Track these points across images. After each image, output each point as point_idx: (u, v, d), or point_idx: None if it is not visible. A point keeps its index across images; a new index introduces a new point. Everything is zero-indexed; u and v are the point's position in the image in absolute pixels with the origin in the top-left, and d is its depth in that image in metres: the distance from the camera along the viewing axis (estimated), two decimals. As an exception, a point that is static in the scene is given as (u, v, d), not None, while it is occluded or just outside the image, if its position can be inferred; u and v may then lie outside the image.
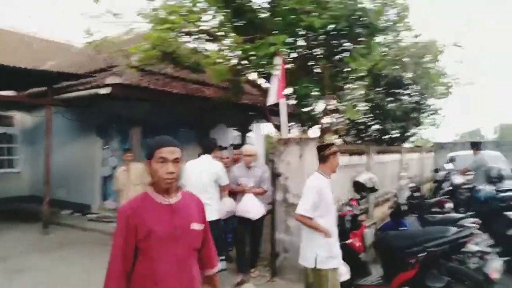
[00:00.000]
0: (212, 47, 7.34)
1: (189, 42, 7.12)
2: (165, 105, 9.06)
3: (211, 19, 6.76)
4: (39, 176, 8.87)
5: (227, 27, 6.67)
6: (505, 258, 4.26)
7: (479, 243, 4.16)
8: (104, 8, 6.26)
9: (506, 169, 8.19)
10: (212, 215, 4.57)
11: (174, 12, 5.84)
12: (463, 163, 8.11)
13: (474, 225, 4.17)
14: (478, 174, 6.93)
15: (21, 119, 12.28)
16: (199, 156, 5.24)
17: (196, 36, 6.95)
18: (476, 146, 7.62)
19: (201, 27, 6.66)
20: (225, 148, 7.42)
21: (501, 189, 5.93)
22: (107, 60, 7.67)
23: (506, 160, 9.34)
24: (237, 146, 6.46)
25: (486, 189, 6.12)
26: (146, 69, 8.08)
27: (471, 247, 3.90)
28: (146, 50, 6.37)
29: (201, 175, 4.78)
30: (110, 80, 7.48)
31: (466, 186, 7.39)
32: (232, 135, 13.71)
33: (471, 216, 4.89)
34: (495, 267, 3.71)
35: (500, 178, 6.30)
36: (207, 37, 6.99)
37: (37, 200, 9.22)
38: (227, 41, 6.59)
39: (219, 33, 6.81)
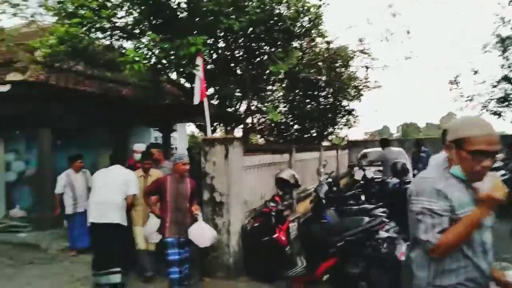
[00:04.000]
0: (128, 45, 6.99)
1: (103, 38, 6.68)
2: (79, 105, 8.38)
3: (125, 16, 6.43)
4: None
5: (144, 25, 6.41)
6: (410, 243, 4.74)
7: (389, 230, 4.57)
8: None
9: (407, 163, 9.13)
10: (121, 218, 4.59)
11: (83, 6, 5.41)
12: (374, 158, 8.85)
13: (383, 214, 4.57)
14: (386, 168, 7.62)
15: None
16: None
17: (110, 33, 6.54)
18: (384, 142, 8.41)
19: (115, 24, 6.30)
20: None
21: (406, 181, 6.58)
22: (4, 54, 6.84)
23: (407, 155, 10.42)
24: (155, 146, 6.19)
25: (393, 181, 6.74)
26: (55, 65, 7.39)
27: (382, 233, 4.25)
28: (53, 45, 5.81)
29: (111, 183, 4.67)
30: (11, 77, 6.68)
31: (376, 180, 8.07)
32: (153, 135, 13.23)
33: (381, 207, 5.35)
34: (402, 250, 4.10)
35: (405, 171, 6.99)
36: (122, 34, 6.63)
37: None
38: (144, 40, 6.32)
39: (135, 31, 6.51)
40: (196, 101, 5.84)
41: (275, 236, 4.71)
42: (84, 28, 5.70)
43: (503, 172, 8.11)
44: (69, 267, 5.70)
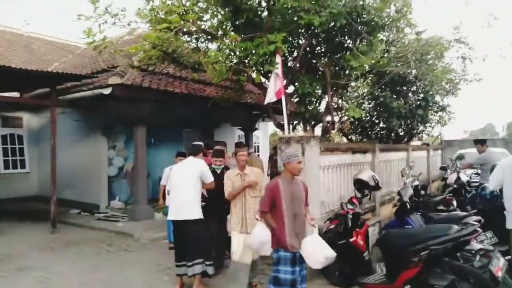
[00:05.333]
0: (213, 46, 7.33)
1: (189, 41, 7.11)
2: (168, 105, 9.07)
3: (210, 18, 6.75)
4: (47, 176, 8.98)
5: (227, 26, 6.65)
6: (509, 257, 4.16)
7: (483, 241, 4.07)
8: (102, 8, 6.27)
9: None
10: (195, 213, 4.54)
11: (171, 12, 5.82)
12: (471, 160, 7.94)
13: (477, 223, 4.07)
14: (484, 172, 6.79)
15: (28, 120, 12.44)
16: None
17: (196, 36, 6.93)
18: (480, 143, 7.45)
19: (200, 26, 6.65)
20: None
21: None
22: (108, 60, 7.70)
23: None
24: (239, 144, 6.37)
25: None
26: (148, 69, 8.10)
27: (474, 245, 3.80)
28: (146, 50, 6.37)
29: (184, 173, 4.69)
30: (112, 80, 7.50)
31: (472, 184, 7.25)
32: (237, 134, 13.71)
33: (475, 214, 4.78)
34: (499, 265, 3.61)
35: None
36: (207, 36, 6.97)
37: (45, 200, 9.32)
38: (226, 40, 6.56)
39: (219, 32, 6.79)
40: (269, 99, 5.86)
41: (351, 240, 4.52)
42: (172, 32, 6.11)
43: None
44: (157, 256, 6.19)
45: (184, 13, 6.00)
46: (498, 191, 5.93)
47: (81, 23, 6.32)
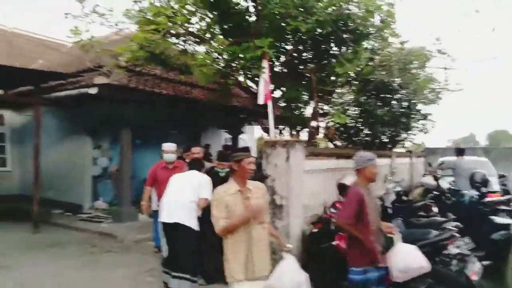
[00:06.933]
0: (200, 49, 7.35)
1: (177, 43, 7.12)
2: (155, 106, 9.03)
3: (198, 21, 6.77)
4: (29, 175, 8.81)
5: (214, 30, 6.69)
6: (488, 262, 4.30)
7: (460, 246, 4.18)
8: (89, 8, 6.24)
9: (492, 174, 8.28)
10: (189, 220, 4.30)
11: (159, 14, 5.83)
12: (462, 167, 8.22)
13: (455, 228, 4.19)
14: (460, 179, 7.06)
15: (10, 118, 12.17)
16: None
17: (184, 38, 6.94)
18: (459, 152, 7.83)
19: (188, 29, 6.67)
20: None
21: (484, 192, 5.98)
22: (94, 60, 7.63)
23: (492, 165, 9.43)
24: (226, 148, 6.39)
25: (470, 193, 6.17)
26: (135, 70, 8.06)
27: (452, 249, 3.90)
28: (134, 51, 6.35)
29: (184, 181, 4.52)
30: (98, 80, 7.44)
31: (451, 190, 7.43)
32: (224, 137, 13.71)
33: (455, 220, 4.91)
34: (475, 269, 3.72)
35: (484, 183, 6.36)
36: (195, 39, 6.99)
37: (28, 199, 9.13)
38: (214, 44, 6.60)
39: (206, 35, 6.82)
40: (260, 102, 5.92)
41: (334, 243, 4.58)
42: (161, 34, 6.11)
43: None
44: (141, 257, 6.16)
45: (173, 15, 6.01)
46: (476, 198, 6.14)
47: (68, 21, 6.27)
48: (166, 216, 4.39)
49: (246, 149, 3.04)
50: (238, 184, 2.86)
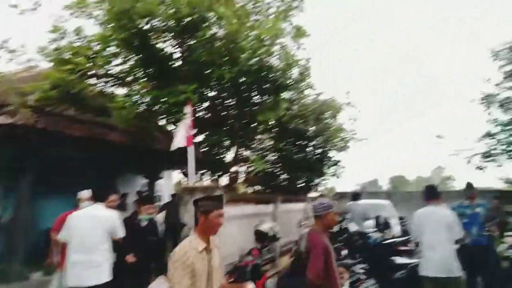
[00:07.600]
0: (121, 91, 7.20)
1: (95, 84, 6.89)
2: (67, 150, 8.37)
3: (121, 63, 6.70)
4: None
5: (138, 73, 6.66)
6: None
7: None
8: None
9: (393, 216, 9.16)
10: (103, 276, 3.79)
11: (78, 54, 5.65)
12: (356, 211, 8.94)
13: (362, 270, 4.50)
14: (352, 218, 8.13)
15: None
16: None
17: (104, 79, 6.77)
18: (354, 196, 9.04)
19: (109, 71, 6.54)
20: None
21: (388, 235, 6.58)
22: (-1, 97, 6.96)
23: (393, 208, 10.43)
24: (142, 194, 6.10)
25: (375, 236, 6.71)
26: (45, 110, 7.50)
27: (360, 292, 4.19)
28: (46, 90, 5.97)
29: (92, 228, 3.86)
30: (0, 119, 6.74)
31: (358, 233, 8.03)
32: (140, 181, 13.10)
33: (361, 262, 5.27)
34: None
35: (386, 225, 6.97)
36: (115, 81, 6.85)
37: None
38: (137, 87, 6.54)
39: (128, 78, 6.74)
40: (175, 146, 5.80)
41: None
42: (78, 74, 5.89)
43: None
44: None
45: (94, 55, 5.87)
46: (380, 240, 6.70)
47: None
48: (77, 278, 3.75)
49: (218, 198, 2.60)
50: (202, 240, 2.38)
